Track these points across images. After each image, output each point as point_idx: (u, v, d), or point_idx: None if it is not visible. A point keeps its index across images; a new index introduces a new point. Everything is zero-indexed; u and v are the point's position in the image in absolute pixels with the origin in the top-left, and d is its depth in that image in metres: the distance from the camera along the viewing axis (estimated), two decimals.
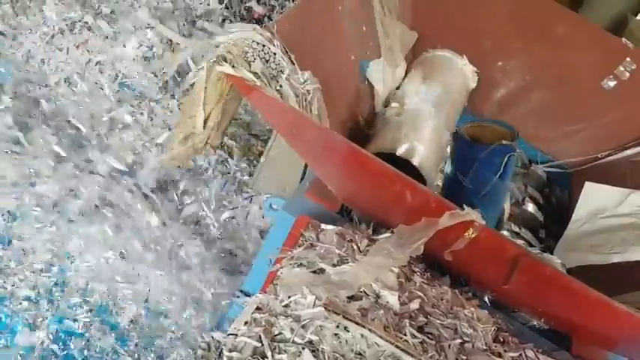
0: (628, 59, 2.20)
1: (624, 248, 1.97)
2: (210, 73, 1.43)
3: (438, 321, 1.37)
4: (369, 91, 2.27)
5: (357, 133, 2.20)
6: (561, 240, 2.19)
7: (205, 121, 1.49)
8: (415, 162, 1.96)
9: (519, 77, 2.42)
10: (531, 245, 2.20)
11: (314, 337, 1.18)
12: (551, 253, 2.11)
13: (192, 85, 1.51)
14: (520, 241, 2.16)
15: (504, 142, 1.95)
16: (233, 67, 1.45)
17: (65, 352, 2.11)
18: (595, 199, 2.21)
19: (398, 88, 2.35)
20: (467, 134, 2.04)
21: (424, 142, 2.03)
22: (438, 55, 2.40)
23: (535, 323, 1.65)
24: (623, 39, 2.27)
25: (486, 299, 1.69)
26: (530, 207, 2.32)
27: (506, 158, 1.94)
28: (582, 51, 2.26)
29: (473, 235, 1.36)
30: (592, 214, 2.20)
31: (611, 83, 2.24)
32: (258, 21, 3.27)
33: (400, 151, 1.98)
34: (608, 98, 2.27)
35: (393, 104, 2.21)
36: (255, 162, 2.75)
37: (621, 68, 2.21)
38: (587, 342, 1.64)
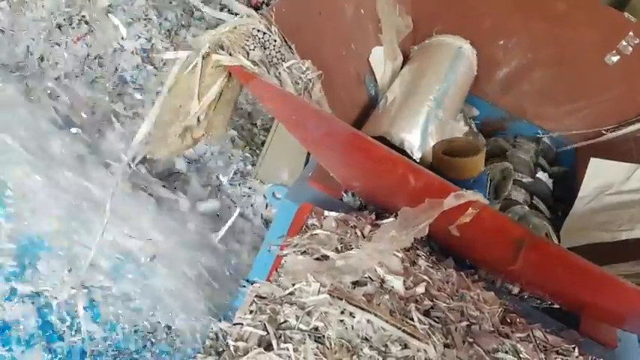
0: (631, 34, 2.18)
1: (632, 225, 1.95)
2: (207, 61, 1.42)
3: (444, 304, 1.36)
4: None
5: (357, 119, 2.18)
6: (568, 217, 2.18)
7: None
8: (417, 154, 1.95)
9: (521, 55, 2.39)
10: (545, 216, 2.18)
11: (319, 324, 1.18)
12: (559, 230, 2.10)
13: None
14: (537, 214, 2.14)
15: (482, 169, 1.93)
16: (230, 54, 1.44)
17: None
18: (601, 176, 2.19)
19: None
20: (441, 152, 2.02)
21: (426, 131, 2.02)
22: (434, 41, 2.38)
23: (542, 303, 1.65)
24: (626, 13, 2.24)
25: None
26: (542, 175, 2.30)
27: (488, 183, 1.94)
28: (584, 27, 2.24)
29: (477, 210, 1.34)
30: (598, 191, 2.18)
31: (614, 58, 2.22)
32: (256, 8, 3.25)
33: (401, 139, 1.97)
34: (611, 74, 2.24)
35: (391, 94, 2.19)
36: (257, 151, 2.75)
37: (624, 43, 2.18)
38: (595, 320, 1.64)
